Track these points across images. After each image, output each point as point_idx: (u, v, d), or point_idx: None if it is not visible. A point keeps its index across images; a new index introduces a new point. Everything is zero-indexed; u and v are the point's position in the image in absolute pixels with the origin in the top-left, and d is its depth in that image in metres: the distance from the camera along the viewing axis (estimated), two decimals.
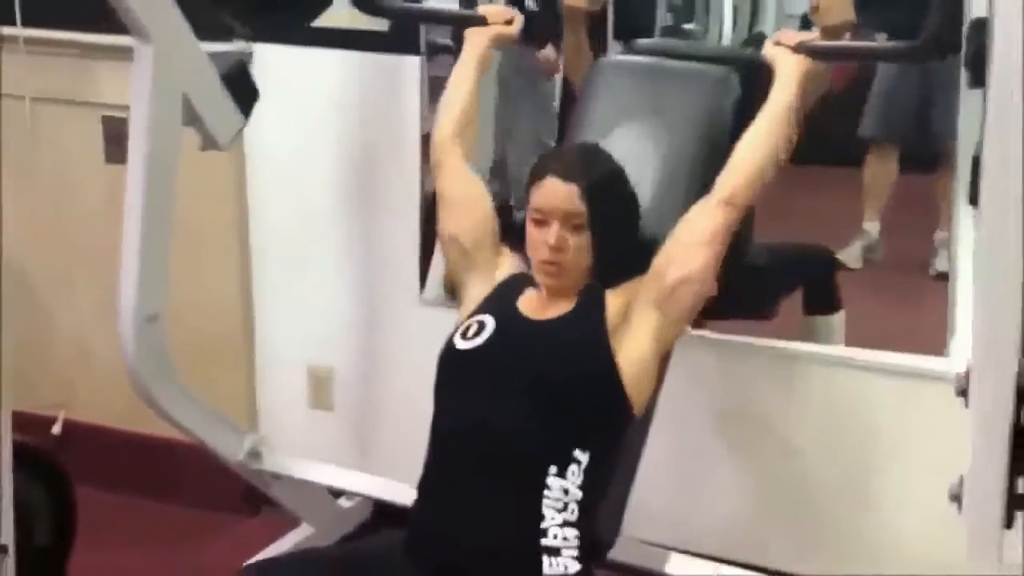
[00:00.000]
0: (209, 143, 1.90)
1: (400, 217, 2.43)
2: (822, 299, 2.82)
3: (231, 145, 1.93)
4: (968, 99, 1.96)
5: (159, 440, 2.50)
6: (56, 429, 2.73)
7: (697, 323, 2.38)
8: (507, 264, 1.86)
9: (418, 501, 1.73)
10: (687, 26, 3.47)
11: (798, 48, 1.78)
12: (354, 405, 2.58)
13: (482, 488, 1.65)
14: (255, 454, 2.14)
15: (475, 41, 2.02)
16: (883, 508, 2.16)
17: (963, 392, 1.09)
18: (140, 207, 1.82)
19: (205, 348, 2.54)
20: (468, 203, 1.88)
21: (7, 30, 2.41)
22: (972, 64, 1.73)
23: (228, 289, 2.55)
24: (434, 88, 2.66)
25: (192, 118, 1.86)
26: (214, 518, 2.60)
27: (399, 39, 2.33)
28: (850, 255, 4.08)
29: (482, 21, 2.04)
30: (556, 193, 1.72)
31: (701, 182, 1.95)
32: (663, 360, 1.78)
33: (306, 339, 2.56)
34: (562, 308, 1.75)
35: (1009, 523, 1.11)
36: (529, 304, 1.78)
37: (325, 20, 2.20)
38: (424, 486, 1.73)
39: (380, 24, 2.32)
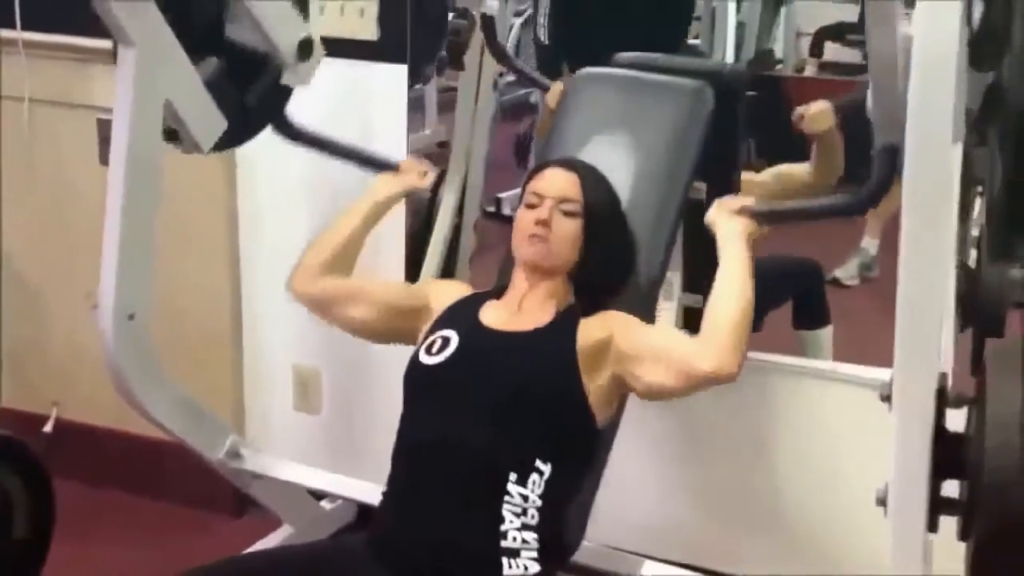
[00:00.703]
0: (192, 147, 1.94)
1: (386, 220, 2.46)
2: (811, 313, 2.84)
3: (212, 148, 1.97)
4: None
5: (149, 439, 2.54)
6: (48, 427, 2.77)
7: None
8: (442, 292, 1.91)
9: (383, 504, 1.77)
10: (692, 42, 3.51)
11: (741, 212, 1.77)
12: (340, 407, 2.61)
13: (445, 493, 1.69)
14: (235, 453, 2.17)
15: (381, 189, 2.06)
16: (862, 520, 2.16)
17: (887, 398, 1.12)
18: (120, 208, 1.85)
19: (193, 347, 2.58)
20: (358, 294, 1.93)
21: (7, 33, 2.47)
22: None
23: (217, 288, 2.59)
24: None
25: (175, 121, 1.89)
26: (200, 517, 2.64)
27: (388, 48, 2.37)
28: (847, 272, 4.10)
29: (394, 169, 2.09)
30: (556, 177, 1.80)
31: (674, 194, 1.99)
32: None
33: (293, 340, 2.60)
34: (535, 321, 1.78)
35: (933, 527, 1.13)
36: (495, 316, 1.81)
37: (314, 29, 2.24)
38: (390, 491, 1.77)
39: (370, 33, 2.37)
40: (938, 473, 1.10)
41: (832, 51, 3.76)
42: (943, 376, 1.13)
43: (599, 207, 1.80)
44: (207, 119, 1.92)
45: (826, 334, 2.83)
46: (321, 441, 2.61)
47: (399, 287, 1.95)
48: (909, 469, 1.09)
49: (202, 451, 2.15)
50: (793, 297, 2.83)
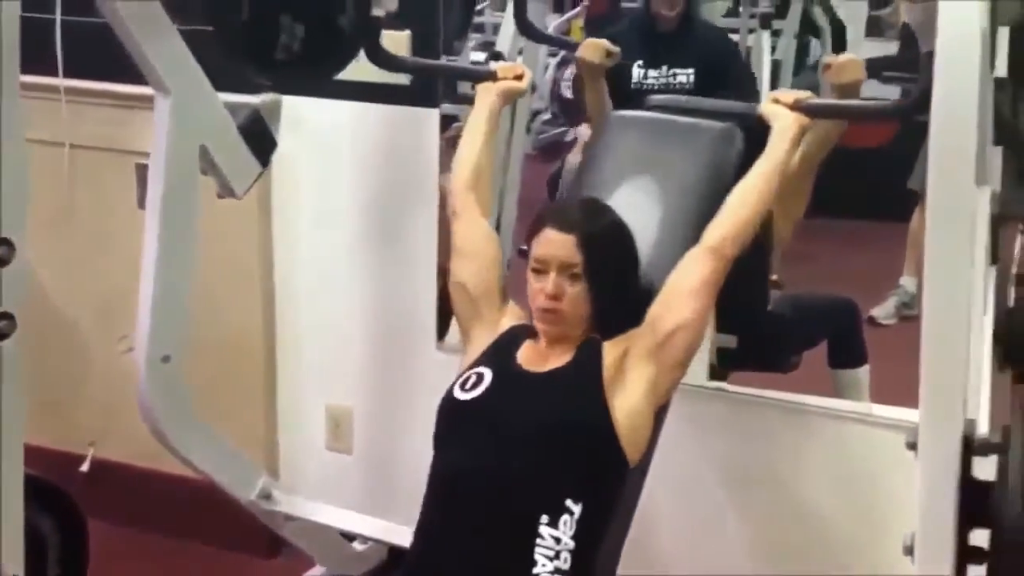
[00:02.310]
0: (226, 191, 1.98)
1: (419, 264, 2.48)
2: (847, 353, 2.82)
3: (246, 193, 2.00)
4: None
5: (184, 479, 2.56)
6: (84, 467, 2.80)
7: (718, 375, 2.41)
8: (511, 317, 1.90)
9: (414, 545, 1.77)
10: None
11: (794, 106, 1.83)
12: (372, 447, 2.62)
13: (476, 535, 1.68)
14: (267, 494, 2.18)
15: (485, 96, 2.08)
16: (895, 567, 2.13)
17: (913, 446, 1.10)
18: (156, 251, 1.89)
19: (227, 387, 2.61)
20: (478, 255, 1.93)
21: (48, 80, 2.53)
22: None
23: (251, 328, 2.62)
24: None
25: (210, 167, 1.93)
26: (234, 558, 2.65)
27: (420, 92, 2.40)
28: (884, 311, 4.06)
29: (492, 76, 2.10)
30: (553, 243, 1.77)
31: (698, 235, 1.98)
32: (660, 411, 1.80)
33: (326, 380, 2.62)
34: (559, 360, 1.79)
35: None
36: (527, 356, 1.81)
37: (349, 73, 2.28)
38: (421, 530, 1.76)
39: (402, 79, 2.40)
40: (965, 522, 1.08)
41: (869, 88, 3.76)
42: (970, 423, 1.11)
43: (600, 262, 1.78)
44: (241, 164, 1.96)
45: (863, 374, 2.80)
46: (353, 481, 2.61)
47: (500, 286, 1.94)
48: (934, 518, 1.07)
49: (234, 492, 2.16)
50: (829, 336, 2.81)
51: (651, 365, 1.74)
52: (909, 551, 1.13)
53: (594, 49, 2.52)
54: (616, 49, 2.52)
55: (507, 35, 2.77)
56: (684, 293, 1.75)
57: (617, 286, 1.81)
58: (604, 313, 1.81)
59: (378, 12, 1.95)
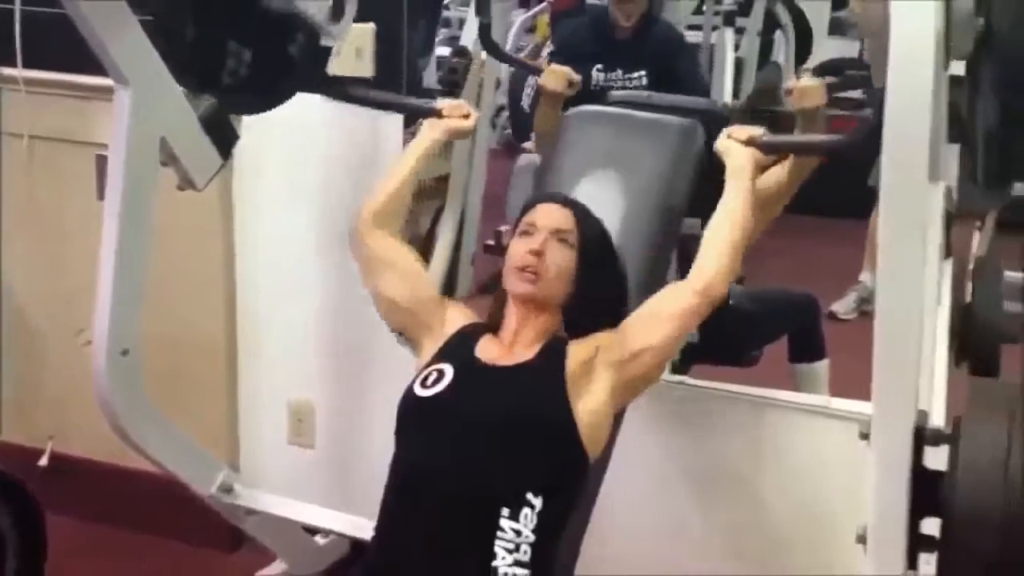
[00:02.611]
0: (187, 183, 1.96)
1: None
2: (807, 347, 2.86)
3: (207, 185, 1.99)
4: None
5: (144, 473, 2.54)
6: (43, 461, 2.78)
7: (680, 369, 2.43)
8: (455, 315, 1.90)
9: (375, 539, 1.77)
10: None
11: (748, 142, 1.85)
12: (335, 441, 2.61)
13: (436, 527, 1.68)
14: (227, 488, 2.17)
15: (428, 133, 2.05)
16: (852, 557, 2.16)
17: (866, 436, 1.12)
18: (114, 244, 1.87)
19: (188, 382, 2.59)
20: (396, 264, 1.91)
21: (8, 71, 2.50)
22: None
23: (212, 323, 2.60)
24: None
25: (170, 159, 1.92)
26: (194, 552, 2.64)
27: (384, 86, 2.40)
28: (845, 307, 4.11)
29: (437, 114, 2.08)
30: (551, 211, 1.80)
31: (665, 230, 2.01)
32: (619, 412, 1.82)
33: (288, 374, 2.61)
34: (524, 355, 1.79)
35: (913, 565, 1.13)
36: (488, 351, 1.81)
37: None
38: (381, 524, 1.76)
39: (366, 72, 2.40)
40: (917, 511, 1.10)
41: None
42: (922, 414, 1.13)
43: (593, 240, 1.81)
44: (202, 156, 1.94)
45: (822, 368, 2.84)
46: (315, 475, 2.61)
47: (431, 288, 1.94)
48: (887, 507, 1.09)
49: (195, 486, 2.15)
50: (789, 331, 2.84)
51: (615, 376, 1.75)
52: (862, 540, 1.15)
53: (557, 78, 2.54)
54: (577, 78, 2.55)
55: (471, 31, 2.78)
56: (661, 317, 1.76)
57: (601, 270, 1.82)
58: (579, 303, 1.81)
59: (328, 42, 1.94)
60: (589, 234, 1.79)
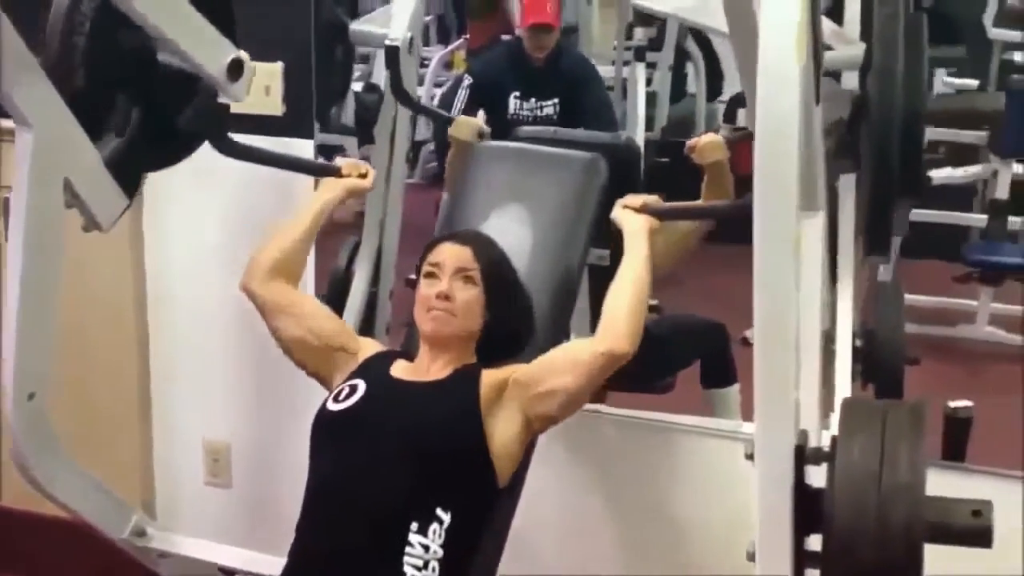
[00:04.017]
0: (92, 224, 1.95)
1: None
2: (718, 373, 2.90)
3: (113, 226, 1.98)
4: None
5: (56, 519, 2.50)
6: None
7: (597, 397, 2.46)
8: (369, 347, 1.93)
9: (288, 561, 1.77)
10: None
11: (642, 209, 1.91)
12: (252, 481, 2.60)
13: (346, 541, 1.71)
14: (140, 532, 2.15)
15: (324, 193, 2.08)
16: None
17: (751, 456, 1.16)
18: (18, 286, 1.85)
19: (100, 424, 2.57)
20: (301, 306, 1.95)
21: None
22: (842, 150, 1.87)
23: (125, 364, 2.59)
24: None
25: (74, 200, 1.90)
26: None
27: (294, 124, 2.42)
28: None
29: (336, 172, 2.11)
30: (451, 250, 1.84)
31: (571, 261, 2.05)
32: (532, 442, 1.84)
33: (203, 414, 2.59)
34: (437, 374, 1.82)
35: None
36: (403, 370, 1.85)
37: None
38: (293, 547, 1.78)
39: (275, 109, 2.41)
40: (802, 528, 1.14)
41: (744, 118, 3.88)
42: (804, 433, 1.17)
43: (496, 274, 1.85)
44: (107, 197, 1.93)
45: (733, 392, 2.88)
46: (233, 515, 2.59)
47: (337, 324, 1.95)
48: (772, 524, 1.13)
49: (107, 530, 2.13)
50: (701, 357, 2.89)
51: (525, 411, 1.79)
52: (751, 557, 1.18)
53: (467, 128, 2.57)
54: (487, 129, 2.59)
55: (383, 69, 2.79)
56: (567, 369, 1.78)
57: (507, 302, 1.85)
58: (490, 334, 1.84)
59: (225, 100, 1.94)
60: (491, 269, 1.83)
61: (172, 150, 2.02)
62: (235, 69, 1.91)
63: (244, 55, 1.92)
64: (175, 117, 1.93)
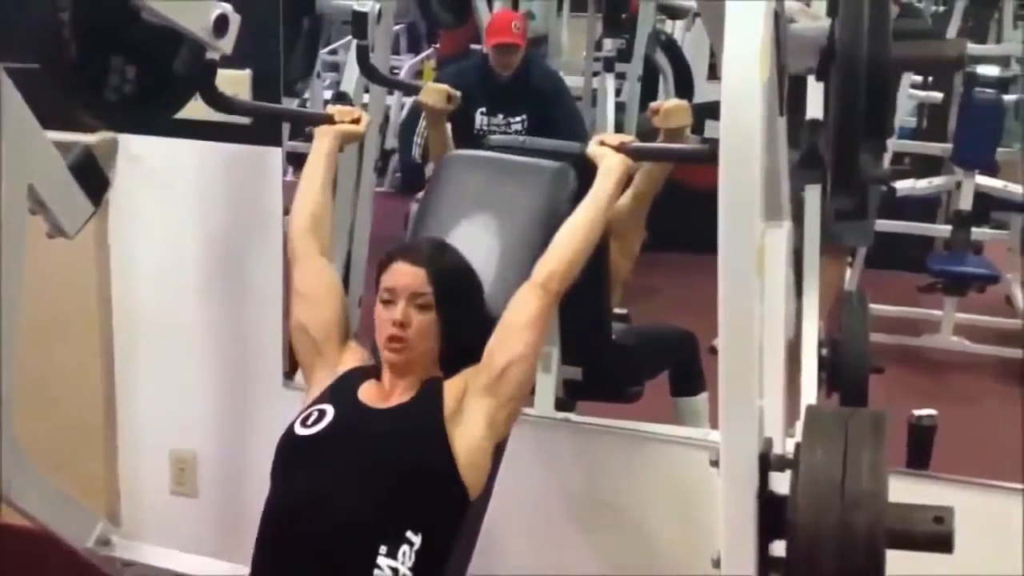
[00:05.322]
0: (57, 231, 1.94)
1: (263, 303, 2.48)
2: (687, 381, 2.91)
3: (78, 233, 1.96)
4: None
5: (20, 528, 2.48)
6: None
7: (563, 405, 2.46)
8: (352, 356, 1.93)
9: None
10: None
11: (619, 148, 1.93)
12: (218, 490, 2.58)
13: (312, 568, 1.68)
14: (104, 541, 2.13)
15: (322, 140, 2.09)
16: None
17: (716, 463, 1.17)
18: None
19: (65, 434, 2.54)
20: (319, 297, 1.94)
21: None
22: (807, 161, 1.89)
23: (89, 373, 2.56)
24: None
25: (39, 206, 1.89)
26: None
27: (262, 131, 2.41)
28: None
29: (329, 120, 2.12)
30: (403, 274, 1.81)
31: None
32: (499, 446, 1.84)
33: (169, 424, 2.57)
34: (402, 397, 1.81)
35: None
36: (369, 394, 1.84)
37: (188, 112, 2.27)
38: (256, 566, 1.76)
39: (242, 118, 2.40)
40: (766, 535, 1.15)
41: (713, 128, 3.89)
42: (768, 441, 1.18)
43: (450, 293, 1.83)
44: (72, 203, 1.92)
45: (701, 401, 2.89)
46: (199, 525, 2.58)
47: (337, 324, 1.94)
48: (737, 531, 1.13)
49: (71, 540, 2.11)
50: (670, 366, 2.90)
51: (488, 399, 1.78)
52: (717, 564, 1.19)
53: (435, 94, 2.58)
54: (457, 93, 2.59)
55: (352, 76, 2.80)
56: (516, 328, 1.80)
57: (464, 321, 1.85)
58: (450, 349, 1.84)
59: (213, 55, 1.96)
60: (445, 290, 1.82)
61: (169, 102, 2.05)
62: (220, 25, 1.93)
63: (227, 7, 1.94)
64: (168, 67, 1.97)
